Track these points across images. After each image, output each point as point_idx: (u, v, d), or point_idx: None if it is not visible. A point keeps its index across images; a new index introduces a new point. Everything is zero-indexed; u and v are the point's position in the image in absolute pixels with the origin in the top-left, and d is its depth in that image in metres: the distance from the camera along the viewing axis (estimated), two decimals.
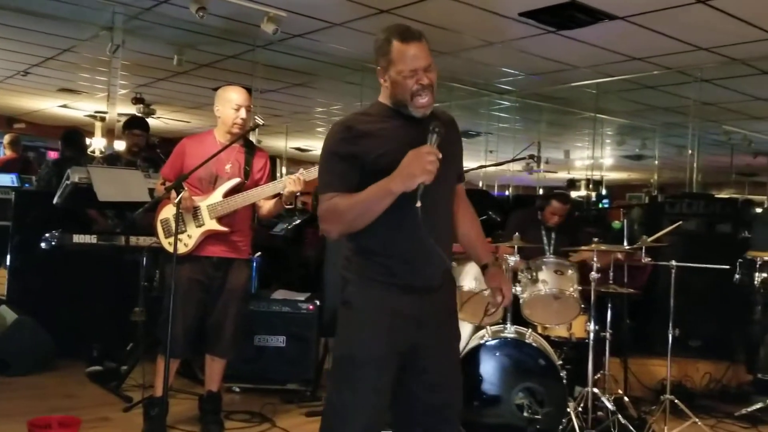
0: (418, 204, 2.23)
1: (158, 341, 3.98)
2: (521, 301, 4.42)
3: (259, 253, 5.33)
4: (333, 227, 2.41)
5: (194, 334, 4.01)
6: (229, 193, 3.91)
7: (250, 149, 4.14)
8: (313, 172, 3.89)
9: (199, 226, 3.88)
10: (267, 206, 4.04)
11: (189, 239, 3.88)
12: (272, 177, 4.17)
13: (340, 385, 2.48)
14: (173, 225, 3.83)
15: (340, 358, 2.53)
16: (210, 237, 3.92)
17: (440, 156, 2.26)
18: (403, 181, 2.24)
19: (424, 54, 2.38)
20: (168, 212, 3.90)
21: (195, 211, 3.87)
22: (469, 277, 4.32)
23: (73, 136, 6.83)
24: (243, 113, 3.96)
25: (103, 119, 11.90)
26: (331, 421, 2.50)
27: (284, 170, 13.38)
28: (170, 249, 3.81)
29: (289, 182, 3.83)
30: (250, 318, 4.92)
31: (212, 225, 3.89)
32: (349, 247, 2.52)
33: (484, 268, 2.69)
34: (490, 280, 2.65)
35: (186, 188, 3.68)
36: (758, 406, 4.93)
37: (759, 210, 8.72)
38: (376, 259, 2.44)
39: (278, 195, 3.94)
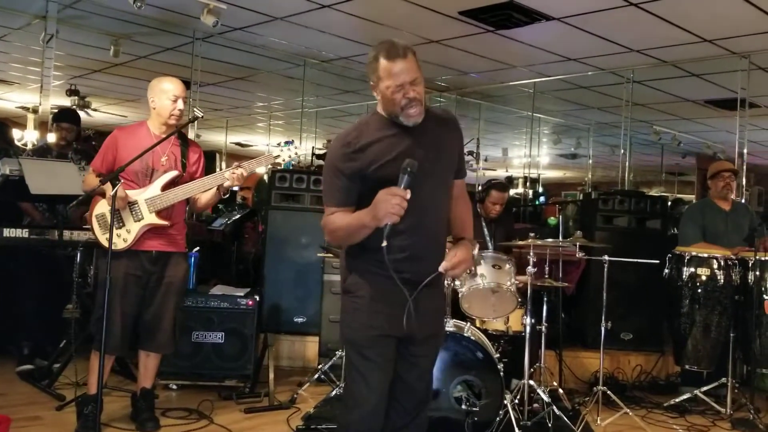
0: (384, 243, 2.40)
1: (93, 338, 3.91)
2: (460, 294, 4.48)
3: (197, 249, 5.27)
4: (330, 239, 2.72)
5: (131, 331, 3.95)
6: (167, 186, 3.86)
7: (185, 142, 4.09)
8: (253, 165, 3.92)
9: (138, 220, 3.81)
10: (204, 198, 4.01)
11: (128, 234, 3.80)
12: (209, 172, 4.12)
13: (351, 367, 2.68)
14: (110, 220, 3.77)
15: (347, 343, 2.73)
16: (148, 231, 3.86)
17: (408, 197, 2.39)
18: (372, 219, 2.44)
19: (409, 69, 2.53)
20: (104, 207, 3.82)
21: (132, 205, 3.80)
22: None
23: None
24: (180, 104, 3.91)
25: (35, 111, 11.52)
26: (346, 400, 2.75)
27: (224, 165, 13.20)
28: (107, 244, 3.75)
29: (232, 178, 3.82)
30: (187, 314, 4.88)
31: (152, 219, 3.83)
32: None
33: (459, 240, 2.78)
34: (456, 247, 2.69)
35: (121, 184, 3.61)
36: (686, 396, 5.12)
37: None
38: (371, 254, 2.57)
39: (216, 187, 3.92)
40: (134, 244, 3.82)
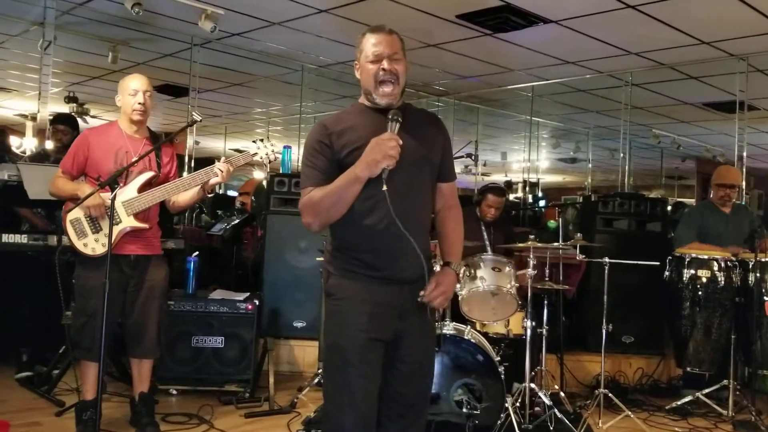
0: (384, 188, 2.34)
1: (75, 345, 3.88)
2: (460, 298, 4.47)
3: (196, 254, 5.26)
4: (312, 219, 2.48)
5: (113, 336, 3.91)
6: (143, 188, 3.78)
7: (157, 141, 4.02)
8: (239, 161, 3.87)
9: (116, 224, 3.68)
10: (184, 198, 3.90)
11: (106, 238, 3.64)
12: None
13: (333, 374, 2.57)
14: (86, 225, 3.72)
15: (329, 348, 2.60)
16: (126, 235, 3.77)
17: (401, 142, 2.36)
18: (367, 166, 2.35)
19: (390, 42, 2.54)
20: (78, 212, 3.71)
21: (109, 209, 3.63)
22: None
23: None
24: (141, 97, 3.85)
25: (34, 119, 11.51)
26: (330, 410, 2.58)
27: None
28: (84, 251, 3.72)
29: (220, 173, 3.76)
30: (187, 318, 4.89)
31: (130, 222, 3.75)
32: (329, 242, 2.62)
33: (444, 264, 2.71)
34: (439, 274, 2.62)
35: (92, 187, 3.58)
36: (687, 399, 5.11)
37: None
38: (355, 254, 2.51)
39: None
40: (113, 248, 3.72)
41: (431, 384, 2.77)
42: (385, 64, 2.50)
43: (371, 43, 2.54)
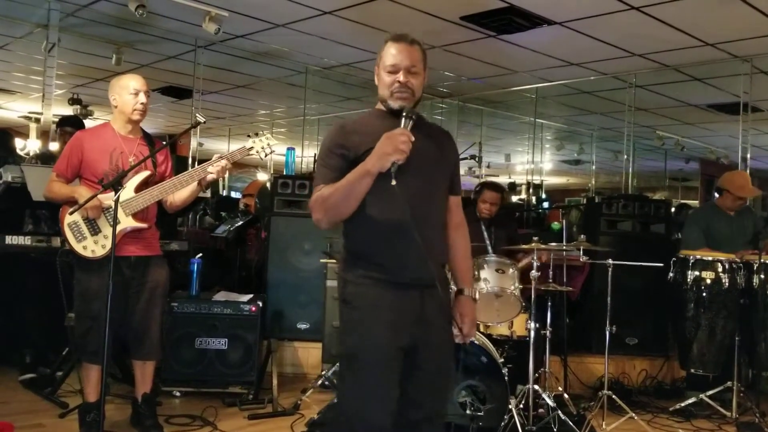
0: (394, 182, 2.34)
1: (80, 349, 3.88)
2: None
3: (200, 255, 5.26)
4: (321, 215, 2.48)
5: (115, 338, 3.88)
6: (140, 187, 3.74)
7: (150, 141, 3.99)
8: (235, 156, 3.83)
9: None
10: (182, 196, 3.85)
11: (106, 240, 3.66)
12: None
13: (351, 383, 2.53)
14: (84, 228, 3.69)
15: (347, 357, 2.56)
16: (125, 236, 3.74)
17: (413, 138, 2.37)
18: (378, 159, 2.35)
19: (410, 54, 2.53)
20: (75, 215, 3.66)
21: (107, 210, 3.66)
22: None
23: (1, 136, 6.67)
24: (143, 98, 3.82)
25: (38, 120, 11.57)
26: (346, 419, 2.53)
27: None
28: (84, 253, 3.69)
29: (217, 170, 3.73)
30: (191, 320, 4.88)
31: (129, 222, 3.71)
32: (343, 247, 2.61)
33: (458, 292, 2.73)
34: (460, 306, 2.68)
35: (88, 189, 3.58)
36: (691, 400, 5.09)
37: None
38: (369, 259, 2.51)
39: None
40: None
41: (451, 371, 2.77)
42: (401, 76, 2.51)
43: (390, 53, 2.53)
